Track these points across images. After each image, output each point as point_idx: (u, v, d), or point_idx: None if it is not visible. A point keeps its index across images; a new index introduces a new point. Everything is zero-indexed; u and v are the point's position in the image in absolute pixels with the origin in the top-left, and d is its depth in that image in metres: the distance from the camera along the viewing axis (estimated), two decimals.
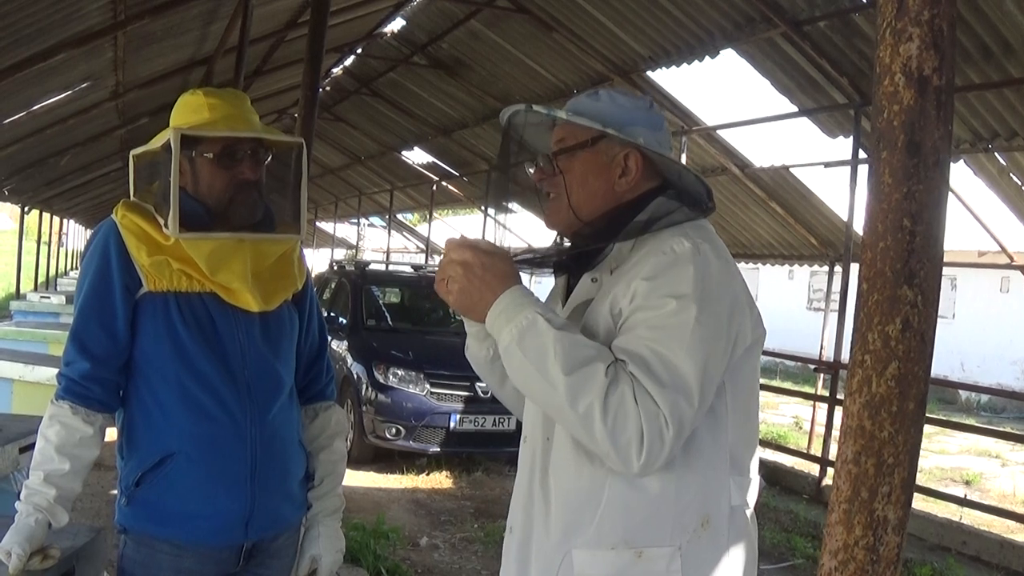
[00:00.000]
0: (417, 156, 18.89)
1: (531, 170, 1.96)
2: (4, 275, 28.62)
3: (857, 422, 1.48)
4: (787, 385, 15.49)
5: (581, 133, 1.84)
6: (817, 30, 8.02)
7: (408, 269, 13.67)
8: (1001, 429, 11.79)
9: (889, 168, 1.46)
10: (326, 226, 32.40)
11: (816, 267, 12.65)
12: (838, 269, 10.42)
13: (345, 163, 22.14)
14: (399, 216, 26.21)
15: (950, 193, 1.55)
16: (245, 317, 2.35)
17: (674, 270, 1.71)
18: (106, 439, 2.32)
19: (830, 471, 8.89)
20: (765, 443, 9.93)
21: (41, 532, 2.18)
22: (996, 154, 8.35)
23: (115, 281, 2.26)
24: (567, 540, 1.78)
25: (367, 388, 9.05)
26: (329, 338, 3.14)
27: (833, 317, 9.56)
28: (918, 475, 1.58)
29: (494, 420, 8.87)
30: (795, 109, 9.43)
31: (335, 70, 15.34)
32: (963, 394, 18.06)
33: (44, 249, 26.09)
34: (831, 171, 10.10)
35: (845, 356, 9.16)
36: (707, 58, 9.24)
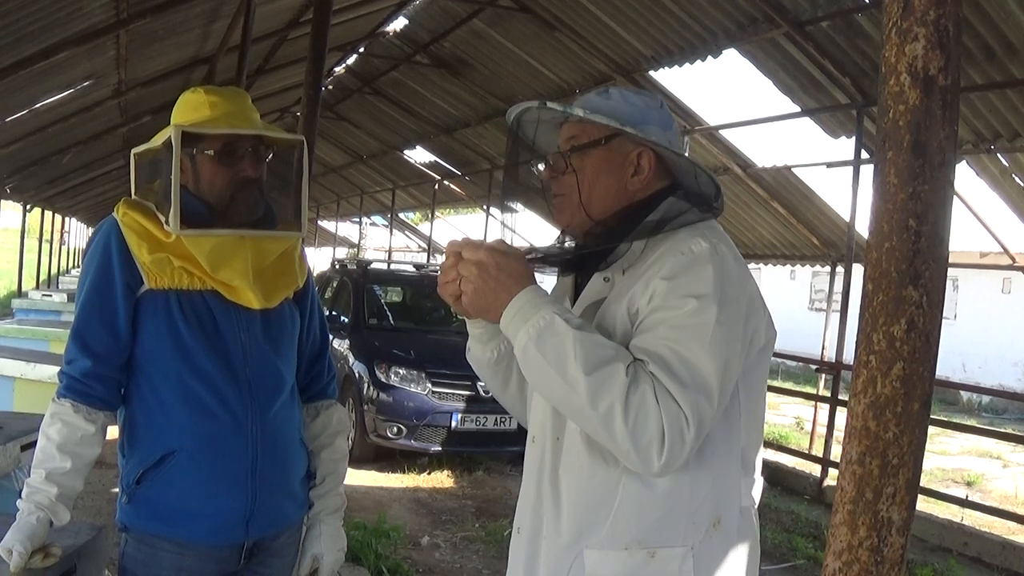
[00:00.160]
0: (419, 155, 18.91)
1: (540, 168, 1.94)
2: (6, 273, 28.61)
3: (862, 423, 1.47)
4: (788, 385, 15.48)
5: (594, 131, 1.83)
6: (820, 30, 8.01)
7: (410, 268, 13.67)
8: (1002, 430, 11.77)
9: (895, 168, 1.45)
10: (328, 225, 32.42)
11: (818, 267, 12.63)
12: (840, 269, 10.40)
13: (347, 162, 22.13)
14: (401, 215, 26.23)
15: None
16: (246, 315, 2.35)
17: (693, 270, 1.70)
18: (108, 437, 2.32)
19: (831, 472, 8.90)
20: (766, 443, 9.90)
21: (42, 530, 2.18)
22: (998, 155, 8.34)
23: (116, 279, 2.26)
24: (579, 540, 1.77)
25: (369, 387, 9.05)
26: (331, 337, 3.13)
27: (835, 318, 9.56)
28: None
29: (495, 419, 8.86)
30: (797, 109, 9.42)
31: (337, 69, 15.34)
32: (964, 395, 18.04)
33: (46, 247, 26.11)
34: (833, 171, 10.09)
35: (846, 357, 9.18)
36: (710, 58, 9.23)
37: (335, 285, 11.73)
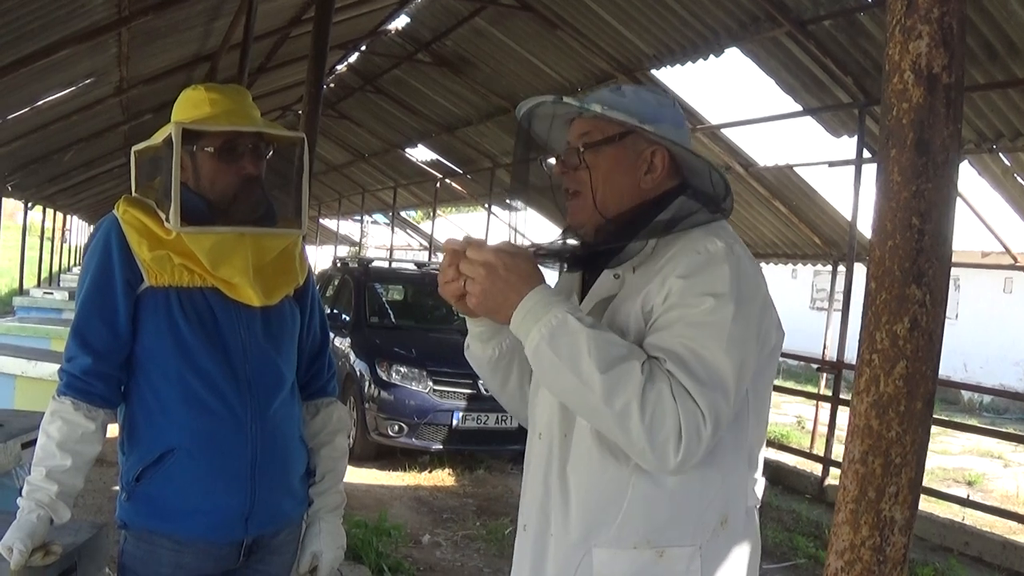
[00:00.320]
0: (421, 153, 18.91)
1: (548, 164, 1.93)
2: (7, 270, 28.63)
3: (864, 421, 1.47)
4: (790, 384, 15.47)
5: (608, 128, 1.81)
6: (822, 29, 8.00)
7: (411, 266, 13.66)
8: (1004, 430, 11.77)
9: (898, 166, 1.45)
10: (329, 223, 32.42)
11: (819, 266, 12.63)
12: (841, 268, 10.40)
13: (349, 160, 22.13)
14: (403, 213, 26.24)
15: None
16: (246, 312, 2.34)
17: (709, 269, 1.69)
18: (108, 435, 2.32)
19: (832, 471, 8.90)
20: (768, 442, 9.89)
21: (43, 528, 2.17)
22: (1000, 154, 8.33)
23: (116, 276, 2.26)
24: (588, 538, 1.76)
25: (370, 385, 9.05)
26: (332, 335, 3.13)
27: (836, 317, 9.55)
28: None
29: (496, 418, 8.86)
30: (799, 108, 9.41)
31: (339, 67, 15.34)
32: (966, 395, 18.03)
33: (47, 245, 26.13)
34: (835, 170, 10.09)
35: (848, 356, 9.18)
36: (711, 57, 9.22)
37: (336, 283, 11.74)
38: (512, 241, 1.84)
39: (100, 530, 2.81)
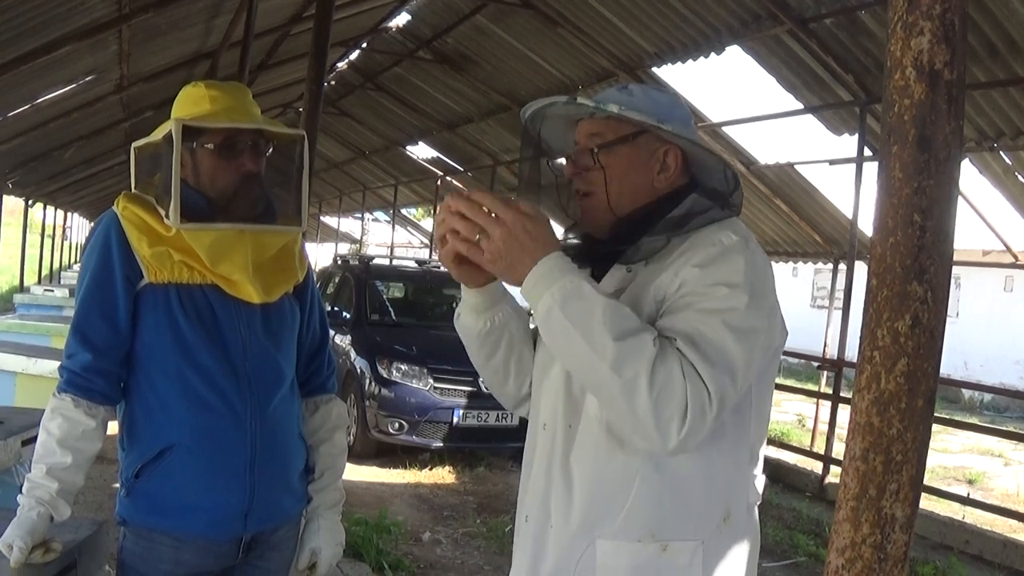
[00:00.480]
0: (421, 151, 18.91)
1: (554, 164, 1.92)
2: (8, 268, 28.64)
3: (865, 419, 1.46)
4: (790, 382, 15.44)
5: (621, 128, 1.81)
6: (823, 27, 8.00)
7: (412, 264, 13.65)
8: (1004, 428, 11.78)
9: (899, 163, 1.44)
10: (330, 220, 32.42)
11: (820, 264, 12.63)
12: (842, 267, 10.39)
13: (349, 157, 22.13)
14: (403, 211, 26.23)
15: None
16: (246, 309, 2.34)
17: (725, 259, 1.69)
18: (108, 432, 2.32)
19: (833, 469, 8.90)
20: (768, 440, 9.86)
21: (43, 525, 2.17)
22: (1001, 153, 8.33)
23: (116, 272, 2.26)
24: (591, 530, 1.75)
25: (370, 383, 9.05)
26: (332, 332, 3.13)
27: (837, 315, 9.55)
28: None
29: (497, 415, 8.86)
30: (800, 106, 9.41)
31: (340, 65, 15.34)
32: (966, 393, 18.02)
33: (48, 242, 26.14)
34: (836, 169, 10.08)
35: (848, 354, 9.18)
36: (713, 55, 9.22)
37: (337, 281, 11.74)
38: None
39: (100, 527, 2.81)
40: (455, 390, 8.91)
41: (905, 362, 1.43)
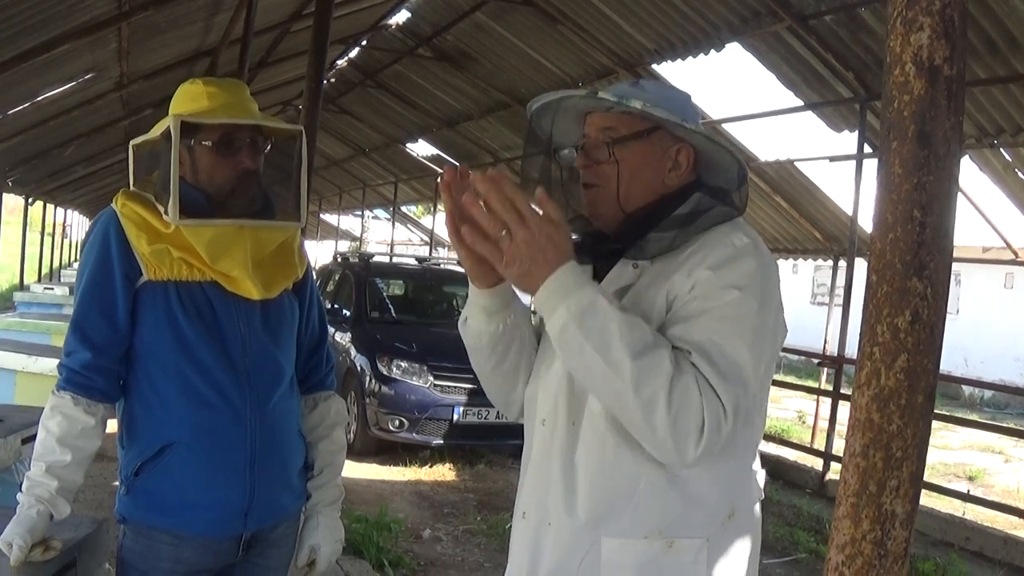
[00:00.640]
0: (421, 148, 18.88)
1: (568, 156, 1.89)
2: (8, 266, 28.63)
3: (865, 415, 1.46)
4: (790, 379, 15.47)
5: (636, 124, 1.80)
6: (823, 24, 7.99)
7: (412, 261, 13.65)
8: (1004, 425, 11.76)
9: (899, 159, 1.44)
10: (330, 218, 32.40)
11: (820, 261, 12.62)
12: (842, 263, 10.39)
13: (349, 155, 22.11)
14: (403, 208, 26.21)
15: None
16: (246, 305, 2.34)
17: (737, 262, 1.69)
18: (108, 430, 2.32)
19: (833, 465, 8.89)
20: (768, 437, 9.91)
21: (43, 524, 2.17)
22: (1001, 150, 8.33)
23: (115, 269, 2.25)
24: (597, 527, 1.75)
25: (371, 380, 9.04)
26: (332, 330, 3.12)
27: (837, 312, 9.55)
28: None
29: (497, 413, 8.84)
30: (800, 103, 9.40)
31: (340, 62, 15.32)
32: (966, 390, 18.02)
33: (48, 240, 26.13)
34: (836, 165, 10.07)
35: (848, 350, 9.17)
36: (712, 52, 9.21)
37: (337, 278, 11.73)
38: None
39: (100, 525, 2.80)
40: (455, 387, 8.90)
41: (905, 358, 1.43)
